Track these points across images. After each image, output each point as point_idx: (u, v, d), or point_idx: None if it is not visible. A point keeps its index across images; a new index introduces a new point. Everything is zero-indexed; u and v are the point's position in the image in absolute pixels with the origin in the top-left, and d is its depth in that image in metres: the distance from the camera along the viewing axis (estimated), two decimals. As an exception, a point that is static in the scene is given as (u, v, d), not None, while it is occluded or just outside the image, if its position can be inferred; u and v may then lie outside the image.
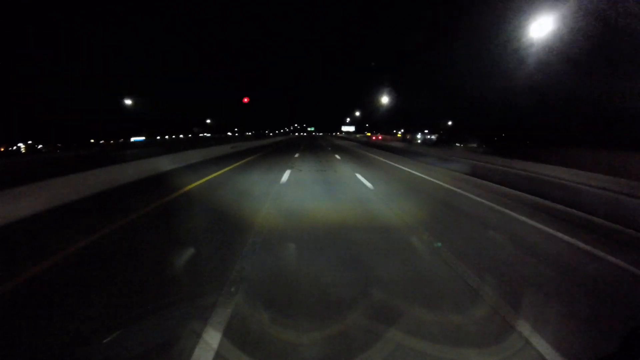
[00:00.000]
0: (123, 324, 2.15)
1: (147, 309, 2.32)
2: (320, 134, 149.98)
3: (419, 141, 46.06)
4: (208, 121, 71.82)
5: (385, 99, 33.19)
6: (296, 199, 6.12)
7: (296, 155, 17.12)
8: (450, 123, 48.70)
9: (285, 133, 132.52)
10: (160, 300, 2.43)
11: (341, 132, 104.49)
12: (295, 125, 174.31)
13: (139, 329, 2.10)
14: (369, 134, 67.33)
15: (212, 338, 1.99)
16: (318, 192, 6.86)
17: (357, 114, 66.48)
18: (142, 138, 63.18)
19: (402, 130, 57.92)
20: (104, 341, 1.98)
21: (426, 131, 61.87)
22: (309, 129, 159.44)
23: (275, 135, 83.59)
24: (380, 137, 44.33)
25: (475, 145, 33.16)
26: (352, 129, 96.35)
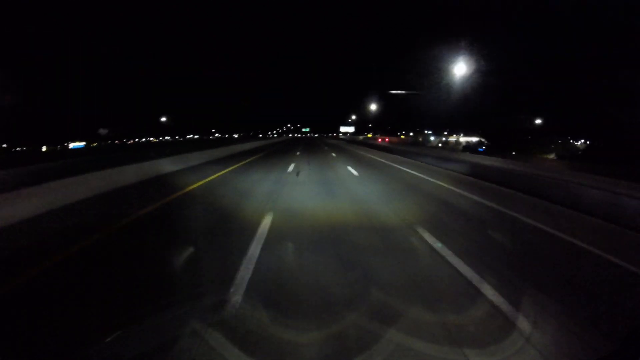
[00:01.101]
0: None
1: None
2: (316, 135, 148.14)
3: (435, 145, 43.57)
4: (163, 119, 54.33)
5: (461, 69, 15.32)
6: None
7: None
8: (539, 121, 37.72)
9: (279, 134, 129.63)
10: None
11: (339, 133, 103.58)
12: (289, 125, 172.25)
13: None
14: (369, 135, 66.34)
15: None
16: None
17: (373, 107, 58.78)
18: (82, 144, 53.40)
19: (416, 131, 54.45)
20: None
21: (429, 132, 60.43)
22: (303, 129, 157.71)
23: (264, 137, 71.47)
24: (387, 140, 40.59)
25: (553, 155, 27.73)
26: (351, 129, 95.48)
